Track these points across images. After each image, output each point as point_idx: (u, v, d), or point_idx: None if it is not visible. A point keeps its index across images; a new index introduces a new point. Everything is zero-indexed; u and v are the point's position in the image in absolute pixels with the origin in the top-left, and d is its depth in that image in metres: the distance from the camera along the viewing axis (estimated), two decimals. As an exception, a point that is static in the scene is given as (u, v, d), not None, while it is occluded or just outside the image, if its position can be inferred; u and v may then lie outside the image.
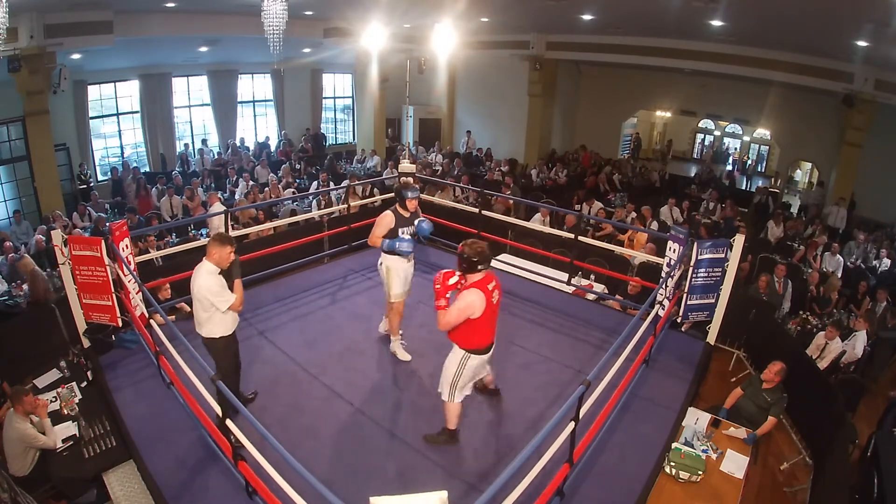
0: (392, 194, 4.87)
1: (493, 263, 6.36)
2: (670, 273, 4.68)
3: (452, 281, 3.13)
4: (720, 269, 4.73)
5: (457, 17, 8.20)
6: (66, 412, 3.79)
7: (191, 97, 12.13)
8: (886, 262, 7.75)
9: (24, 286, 5.87)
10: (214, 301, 3.22)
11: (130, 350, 4.43)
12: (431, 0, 7.74)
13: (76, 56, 9.01)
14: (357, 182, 8.66)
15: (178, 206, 8.91)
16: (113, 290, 4.19)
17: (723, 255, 4.71)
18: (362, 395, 3.99)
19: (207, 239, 4.18)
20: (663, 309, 4.65)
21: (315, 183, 10.07)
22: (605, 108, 14.66)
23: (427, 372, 4.24)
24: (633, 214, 8.46)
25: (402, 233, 4.17)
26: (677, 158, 17.31)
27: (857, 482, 3.95)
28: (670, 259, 5.00)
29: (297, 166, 11.83)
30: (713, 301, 4.83)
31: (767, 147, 16.17)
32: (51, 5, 7.34)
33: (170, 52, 10.52)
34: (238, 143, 12.43)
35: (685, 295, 4.84)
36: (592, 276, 6.23)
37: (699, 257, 4.71)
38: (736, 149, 17.22)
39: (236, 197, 9.32)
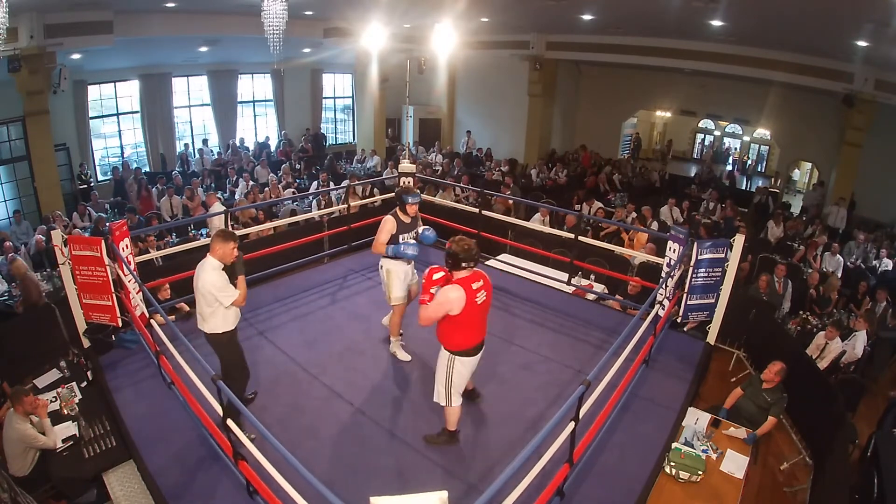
0: (392, 195, 4.85)
1: (494, 263, 6.42)
2: (670, 273, 4.68)
3: (438, 276, 3.13)
4: (720, 269, 4.73)
5: (457, 17, 8.20)
6: (66, 412, 3.79)
7: (191, 97, 12.14)
8: (886, 262, 7.73)
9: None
10: (218, 296, 3.22)
11: (130, 350, 4.43)
12: (431, 0, 7.75)
13: (76, 56, 9.02)
14: (357, 182, 8.66)
15: (178, 206, 8.92)
16: (113, 290, 4.19)
17: (723, 255, 4.71)
18: (362, 395, 3.99)
19: (207, 239, 4.18)
20: (663, 309, 4.65)
21: (315, 183, 10.07)
22: (605, 108, 14.65)
23: (427, 372, 4.23)
24: (633, 214, 8.46)
25: (403, 239, 4.12)
26: (677, 158, 17.31)
27: (857, 482, 3.94)
28: (670, 259, 4.99)
29: (297, 166, 11.84)
30: (713, 301, 4.83)
31: (767, 147, 16.18)
32: (51, 5, 7.34)
33: (170, 52, 10.52)
34: (238, 143, 12.43)
35: (685, 295, 4.84)
36: (592, 276, 6.23)
37: (699, 257, 4.71)
38: (736, 149, 17.23)
39: (236, 197, 9.32)
